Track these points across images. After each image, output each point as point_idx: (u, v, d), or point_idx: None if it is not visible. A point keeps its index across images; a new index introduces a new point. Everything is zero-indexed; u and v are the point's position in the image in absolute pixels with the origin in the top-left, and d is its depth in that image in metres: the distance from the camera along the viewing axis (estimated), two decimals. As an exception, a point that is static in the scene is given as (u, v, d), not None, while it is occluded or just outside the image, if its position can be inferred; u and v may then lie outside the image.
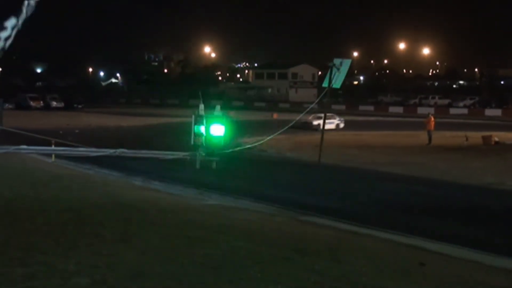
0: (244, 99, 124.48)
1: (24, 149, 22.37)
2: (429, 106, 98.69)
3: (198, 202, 20.49)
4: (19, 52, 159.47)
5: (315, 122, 54.22)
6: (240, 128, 45.57)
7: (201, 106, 19.83)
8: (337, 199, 22.91)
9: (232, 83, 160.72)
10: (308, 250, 13.26)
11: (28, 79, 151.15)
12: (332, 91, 34.80)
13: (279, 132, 24.57)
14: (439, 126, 43.85)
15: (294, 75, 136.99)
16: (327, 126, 49.81)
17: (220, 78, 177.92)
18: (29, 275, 9.69)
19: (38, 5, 10.49)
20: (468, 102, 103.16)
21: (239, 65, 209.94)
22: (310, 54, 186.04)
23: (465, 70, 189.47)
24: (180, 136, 36.95)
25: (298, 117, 29.95)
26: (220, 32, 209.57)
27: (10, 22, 9.31)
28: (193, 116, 20.36)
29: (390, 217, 19.72)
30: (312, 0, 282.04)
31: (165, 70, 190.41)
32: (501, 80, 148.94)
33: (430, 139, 41.69)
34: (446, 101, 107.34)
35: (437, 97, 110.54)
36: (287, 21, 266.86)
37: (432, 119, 43.34)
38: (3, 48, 9.54)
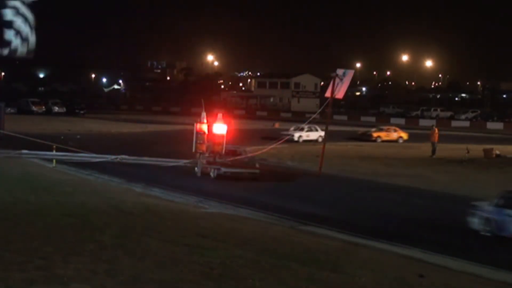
0: (246, 108, 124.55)
1: (25, 153, 22.45)
2: (431, 118, 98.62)
3: (198, 210, 20.48)
4: (21, 57, 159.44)
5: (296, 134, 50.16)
6: (242, 137, 45.60)
7: (203, 114, 19.88)
8: (337, 210, 22.90)
9: (234, 92, 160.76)
10: (307, 259, 13.25)
11: (30, 84, 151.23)
12: (334, 102, 34.81)
13: (280, 141, 24.58)
14: (440, 139, 43.75)
15: (297, 84, 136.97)
16: None
17: (222, 86, 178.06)
18: (29, 280, 9.69)
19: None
20: (470, 115, 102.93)
21: (241, 73, 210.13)
22: (313, 64, 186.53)
23: (468, 83, 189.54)
24: (182, 144, 37.12)
25: (300, 126, 29.95)
26: (223, 40, 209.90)
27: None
28: (195, 125, 20.44)
29: (390, 228, 19.71)
30: (316, 11, 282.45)
31: (168, 78, 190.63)
32: (503, 94, 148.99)
33: (434, 151, 41.62)
34: (448, 114, 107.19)
35: (439, 110, 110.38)
36: (291, 31, 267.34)
37: (436, 131, 43.25)
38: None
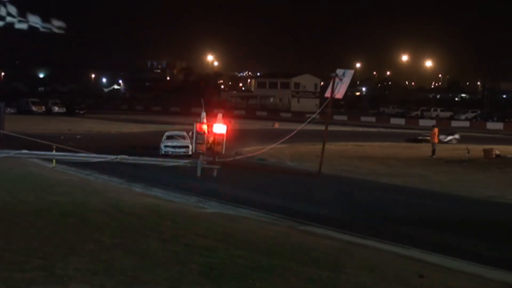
0: (246, 108, 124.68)
1: (25, 154, 22.38)
2: (431, 118, 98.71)
3: (198, 210, 20.48)
4: (22, 57, 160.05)
5: None
6: (241, 137, 45.61)
7: (203, 114, 19.84)
8: (337, 210, 22.90)
9: (234, 92, 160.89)
10: (307, 259, 13.25)
11: (30, 84, 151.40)
12: (334, 102, 34.65)
13: (280, 141, 24.54)
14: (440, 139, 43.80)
15: (297, 85, 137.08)
16: None
17: (222, 86, 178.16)
18: (28, 280, 9.69)
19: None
20: (470, 115, 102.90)
21: (241, 74, 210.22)
22: (313, 64, 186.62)
23: (468, 83, 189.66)
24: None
25: (300, 127, 29.87)
26: (223, 40, 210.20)
27: None
28: (194, 124, 20.39)
29: (390, 228, 19.70)
30: (316, 11, 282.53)
31: (168, 78, 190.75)
32: (503, 94, 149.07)
33: (434, 151, 41.66)
34: (448, 114, 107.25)
35: (439, 110, 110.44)
36: (291, 31, 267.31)
37: (436, 131, 43.21)
38: None
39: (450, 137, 55.87)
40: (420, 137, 56.57)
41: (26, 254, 11.17)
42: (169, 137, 39.45)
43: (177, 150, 37.12)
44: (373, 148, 47.87)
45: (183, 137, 38.93)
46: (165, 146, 38.02)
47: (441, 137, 53.97)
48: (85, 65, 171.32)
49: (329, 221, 19.89)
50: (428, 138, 54.88)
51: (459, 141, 55.38)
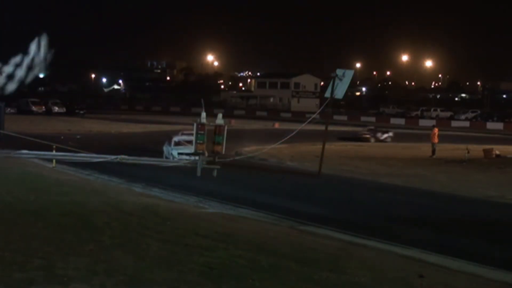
0: (245, 108, 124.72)
1: (25, 154, 22.39)
2: (431, 118, 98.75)
3: (198, 210, 20.46)
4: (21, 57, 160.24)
5: None
6: (241, 137, 45.64)
7: (203, 114, 19.82)
8: (337, 210, 22.88)
9: (234, 92, 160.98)
10: (307, 259, 13.25)
11: (30, 84, 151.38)
12: (334, 102, 34.71)
13: (280, 141, 24.58)
14: (440, 139, 43.75)
15: (297, 84, 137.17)
16: None
17: (222, 86, 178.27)
18: (28, 280, 9.69)
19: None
20: (470, 115, 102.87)
21: (241, 74, 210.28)
22: (313, 64, 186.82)
23: (468, 83, 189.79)
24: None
25: (300, 127, 29.87)
26: (223, 40, 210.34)
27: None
28: (194, 125, 20.38)
29: (390, 228, 19.69)
30: (316, 11, 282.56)
31: (168, 78, 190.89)
32: (503, 94, 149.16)
33: (434, 151, 41.69)
34: (448, 114, 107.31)
35: (439, 110, 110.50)
36: (291, 31, 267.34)
37: (436, 131, 43.20)
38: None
39: (385, 135, 57.60)
40: (357, 135, 57.78)
41: (26, 254, 11.17)
42: (178, 144, 35.38)
43: (192, 157, 32.70)
44: (373, 148, 47.88)
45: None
46: (179, 154, 33.39)
47: (378, 134, 56.41)
48: (85, 65, 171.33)
49: (329, 221, 19.87)
50: (367, 135, 56.64)
51: (393, 138, 57.64)
